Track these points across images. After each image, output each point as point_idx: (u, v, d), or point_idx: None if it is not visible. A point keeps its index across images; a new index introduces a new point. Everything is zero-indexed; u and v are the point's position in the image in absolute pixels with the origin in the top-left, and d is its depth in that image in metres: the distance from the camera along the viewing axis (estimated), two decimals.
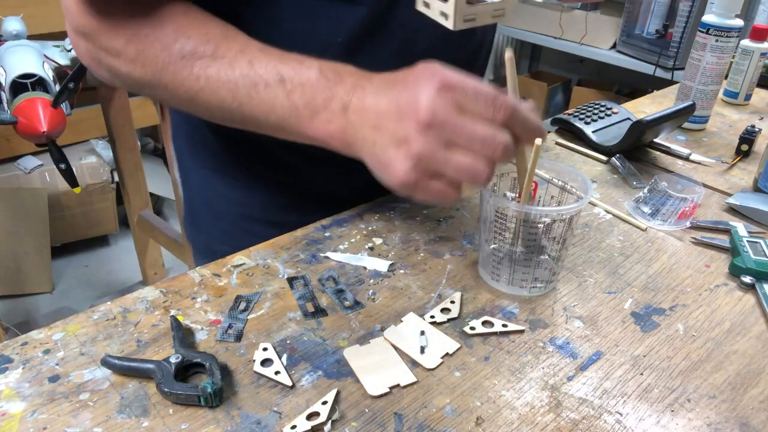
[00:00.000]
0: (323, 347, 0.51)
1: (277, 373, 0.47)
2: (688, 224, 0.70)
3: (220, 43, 0.52)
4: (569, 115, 0.94)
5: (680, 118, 0.85)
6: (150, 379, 0.46)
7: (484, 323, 0.53)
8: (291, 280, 0.58)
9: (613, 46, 2.66)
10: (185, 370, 0.47)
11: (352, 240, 0.64)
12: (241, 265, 0.60)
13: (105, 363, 0.47)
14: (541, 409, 0.46)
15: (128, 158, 1.92)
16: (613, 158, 0.84)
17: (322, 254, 0.62)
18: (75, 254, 2.30)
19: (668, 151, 0.89)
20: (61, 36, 1.56)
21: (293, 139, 0.53)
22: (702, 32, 0.92)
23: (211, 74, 0.51)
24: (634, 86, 2.91)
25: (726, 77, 1.08)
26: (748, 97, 1.09)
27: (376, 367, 0.48)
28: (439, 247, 0.64)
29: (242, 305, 0.55)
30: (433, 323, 0.53)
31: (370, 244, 0.64)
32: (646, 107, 1.07)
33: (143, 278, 2.13)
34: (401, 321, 0.53)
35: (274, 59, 0.51)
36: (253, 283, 0.58)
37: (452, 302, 0.56)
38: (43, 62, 1.36)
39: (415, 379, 0.48)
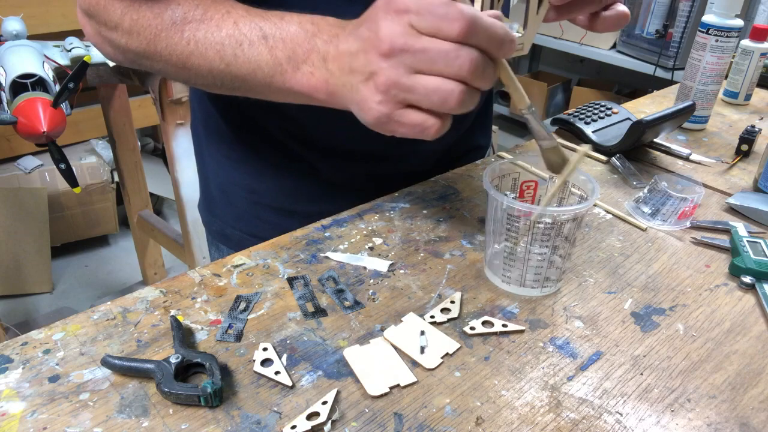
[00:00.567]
0: (323, 347, 0.51)
1: (277, 373, 0.47)
2: (688, 224, 0.70)
3: (208, 6, 0.53)
4: (569, 115, 0.94)
5: (680, 118, 0.85)
6: (150, 379, 0.46)
7: (484, 323, 0.53)
8: (291, 280, 0.58)
9: (613, 46, 2.66)
10: (185, 370, 0.47)
11: (352, 240, 0.64)
12: (241, 265, 0.60)
13: (105, 363, 0.47)
14: (541, 409, 0.46)
15: (128, 158, 1.92)
16: (613, 158, 0.84)
17: (322, 254, 0.62)
18: (75, 254, 2.30)
19: (668, 151, 0.89)
20: (61, 36, 1.56)
21: (282, 98, 0.53)
22: (702, 32, 0.92)
23: (200, 37, 0.52)
24: (634, 86, 2.91)
25: (726, 77, 1.08)
26: (748, 97, 1.09)
27: (376, 367, 0.48)
28: (439, 247, 0.64)
29: (242, 305, 0.55)
30: (433, 323, 0.53)
31: (370, 244, 0.64)
32: (646, 107, 1.07)
33: (143, 278, 2.13)
34: (401, 321, 0.53)
35: (257, 17, 0.51)
36: (253, 283, 0.58)
37: (452, 302, 0.56)
38: (43, 62, 1.36)
39: (415, 379, 0.48)
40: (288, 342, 0.51)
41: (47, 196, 2.09)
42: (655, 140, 0.89)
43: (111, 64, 1.47)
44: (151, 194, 2.18)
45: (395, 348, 0.51)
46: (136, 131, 1.94)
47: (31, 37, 1.46)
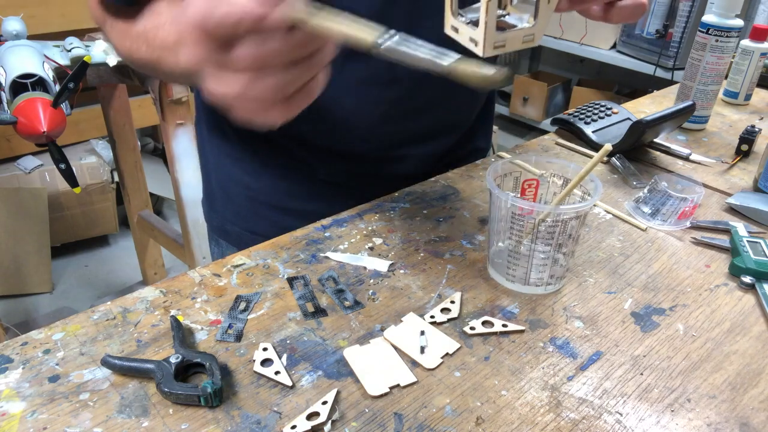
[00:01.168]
0: (323, 347, 0.51)
1: (277, 373, 0.47)
2: (688, 224, 0.70)
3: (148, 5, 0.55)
4: (569, 115, 0.94)
5: (680, 118, 0.85)
6: (150, 379, 0.46)
7: (484, 323, 0.53)
8: (291, 280, 0.58)
9: (613, 46, 2.66)
10: (185, 370, 0.47)
11: (352, 240, 0.64)
12: (241, 265, 0.60)
13: (105, 363, 0.47)
14: (541, 409, 0.46)
15: (128, 158, 1.92)
16: (613, 158, 0.84)
17: (322, 254, 0.62)
18: (75, 254, 2.30)
19: (668, 151, 0.89)
20: (61, 36, 1.56)
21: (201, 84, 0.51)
22: (702, 32, 0.92)
23: (131, 33, 0.55)
24: (634, 86, 2.91)
25: (726, 77, 1.08)
26: (748, 97, 1.09)
27: (376, 367, 0.48)
28: (439, 247, 0.64)
29: (242, 305, 0.55)
30: (433, 323, 0.53)
31: (370, 244, 0.64)
32: (646, 107, 1.07)
33: (143, 278, 2.13)
34: (401, 321, 0.53)
35: (147, 14, 0.54)
36: (253, 283, 0.58)
37: (452, 302, 0.56)
38: (43, 62, 1.36)
39: (415, 379, 0.48)
40: (288, 342, 0.51)
41: (47, 196, 2.09)
42: (655, 140, 0.89)
43: (111, 64, 1.47)
44: (151, 194, 2.18)
45: (395, 348, 0.51)
46: (136, 131, 1.93)
47: (31, 37, 1.46)
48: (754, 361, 0.51)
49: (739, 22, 0.90)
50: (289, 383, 0.47)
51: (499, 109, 3.32)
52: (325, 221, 0.68)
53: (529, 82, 3.09)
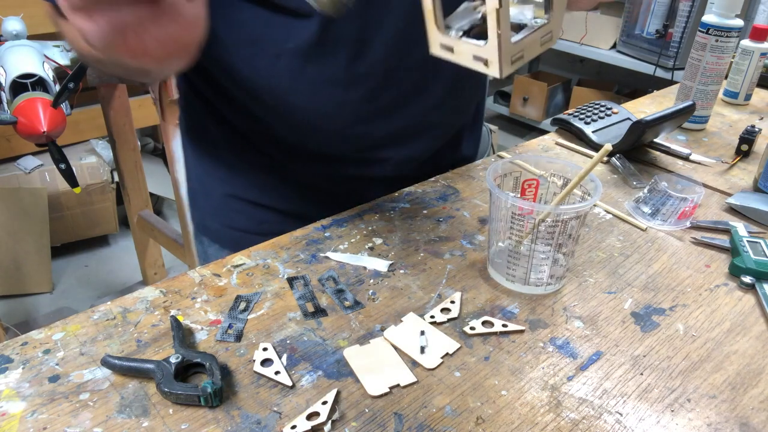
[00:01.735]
0: (323, 347, 0.51)
1: (277, 373, 0.47)
2: (688, 224, 0.70)
3: None
4: (569, 115, 0.94)
5: (680, 118, 0.85)
6: (150, 379, 0.46)
7: (484, 323, 0.53)
8: (291, 280, 0.58)
9: (613, 46, 2.66)
10: (185, 370, 0.47)
11: (352, 240, 0.64)
12: (241, 265, 0.60)
13: (105, 363, 0.47)
14: (541, 409, 0.46)
15: (128, 158, 1.92)
16: (613, 158, 0.84)
17: (322, 254, 0.62)
18: (75, 254, 2.30)
19: (668, 151, 0.88)
20: (61, 36, 1.56)
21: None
22: (702, 32, 0.92)
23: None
24: (634, 86, 2.91)
25: (726, 77, 1.08)
26: (748, 97, 1.09)
27: (376, 367, 0.48)
28: (439, 247, 0.64)
29: (242, 305, 0.55)
30: (433, 323, 0.53)
31: (370, 244, 0.64)
32: (646, 107, 1.07)
33: (143, 278, 2.13)
34: (401, 321, 0.53)
35: None
36: (253, 283, 0.58)
37: (452, 302, 0.56)
38: (43, 62, 1.36)
39: (415, 379, 0.48)
40: (288, 342, 0.51)
41: (47, 196, 2.09)
42: (655, 140, 0.89)
43: None
44: (151, 194, 2.18)
45: (395, 348, 0.51)
46: (136, 131, 1.93)
47: (31, 37, 1.46)
48: (754, 361, 0.51)
49: (739, 22, 0.90)
50: (289, 383, 0.47)
51: (499, 109, 3.33)
52: (325, 221, 0.68)
53: (529, 82, 3.09)
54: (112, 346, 0.50)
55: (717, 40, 0.91)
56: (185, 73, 0.74)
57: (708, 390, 0.48)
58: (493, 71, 0.38)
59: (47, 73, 1.33)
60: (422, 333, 0.52)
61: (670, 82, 2.19)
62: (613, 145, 0.86)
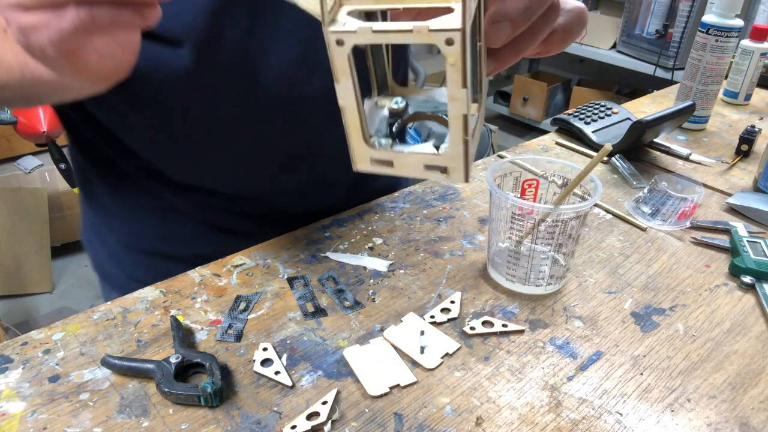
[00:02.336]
0: (323, 347, 0.51)
1: (277, 373, 0.47)
2: (688, 224, 0.70)
3: None
4: (569, 115, 0.94)
5: (680, 118, 0.85)
6: (150, 379, 0.46)
7: (484, 323, 0.53)
8: (291, 280, 0.58)
9: (613, 46, 2.66)
10: (185, 370, 0.47)
11: (352, 240, 0.64)
12: (241, 265, 0.60)
13: (105, 363, 0.47)
14: (541, 409, 0.46)
15: None
16: (613, 158, 0.84)
17: (322, 254, 0.62)
18: (75, 254, 2.30)
19: (668, 151, 0.89)
20: None
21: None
22: (702, 32, 0.92)
23: None
24: (634, 86, 2.91)
25: (726, 77, 1.08)
26: (748, 97, 1.09)
27: (376, 367, 0.48)
28: (439, 247, 0.64)
29: (242, 305, 0.55)
30: (433, 323, 0.53)
31: (370, 244, 0.64)
32: (646, 107, 1.07)
33: None
34: (401, 321, 0.53)
35: None
36: (253, 283, 0.58)
37: (452, 302, 0.56)
38: None
39: (415, 379, 0.48)
40: (288, 342, 0.51)
41: (47, 196, 2.09)
42: (655, 140, 0.89)
43: None
44: None
45: (395, 348, 0.51)
46: None
47: None
48: (754, 361, 0.51)
49: (739, 22, 0.90)
50: (289, 383, 0.47)
51: (499, 108, 3.33)
52: (325, 221, 0.68)
53: (529, 82, 3.09)
54: (112, 346, 0.50)
55: (717, 40, 0.91)
56: (68, 113, 0.66)
57: (708, 390, 0.48)
58: (456, 178, 0.35)
59: None
60: (422, 333, 0.52)
61: (670, 82, 2.19)
62: (613, 145, 0.86)
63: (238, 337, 0.51)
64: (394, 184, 0.81)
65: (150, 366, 0.46)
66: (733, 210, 0.73)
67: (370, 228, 0.67)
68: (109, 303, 0.54)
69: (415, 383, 0.47)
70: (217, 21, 0.53)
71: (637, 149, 0.88)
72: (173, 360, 0.46)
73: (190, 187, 0.67)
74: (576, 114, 0.94)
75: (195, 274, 0.58)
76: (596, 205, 0.73)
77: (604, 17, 2.67)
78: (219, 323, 0.53)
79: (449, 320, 0.54)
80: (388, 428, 0.44)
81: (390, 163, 0.35)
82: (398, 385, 0.47)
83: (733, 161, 0.87)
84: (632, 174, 0.81)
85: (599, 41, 2.67)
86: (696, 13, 2.21)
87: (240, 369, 0.48)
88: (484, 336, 0.52)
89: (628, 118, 0.95)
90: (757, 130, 0.88)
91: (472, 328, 0.53)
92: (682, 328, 0.55)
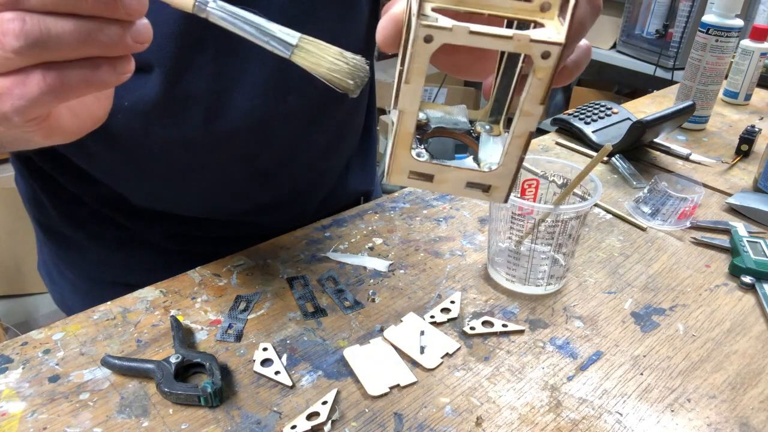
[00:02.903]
0: (323, 347, 0.50)
1: (277, 373, 0.47)
2: (688, 224, 0.70)
3: None
4: (569, 115, 0.94)
5: (680, 118, 0.85)
6: (150, 379, 0.46)
7: (484, 323, 0.53)
8: (291, 280, 0.58)
9: (613, 46, 2.66)
10: (185, 370, 0.47)
11: (352, 240, 0.64)
12: (241, 264, 0.60)
13: (105, 363, 0.47)
14: (541, 409, 0.46)
15: None
16: (613, 158, 0.84)
17: (322, 254, 0.62)
18: None
19: (668, 151, 0.88)
20: None
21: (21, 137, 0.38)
22: (702, 32, 0.92)
23: None
24: (634, 86, 2.91)
25: (726, 77, 1.08)
26: (748, 97, 1.09)
27: (376, 367, 0.48)
28: (439, 247, 0.64)
29: (242, 305, 0.55)
30: (433, 323, 0.53)
31: (370, 244, 0.64)
32: (646, 107, 1.07)
33: None
34: (401, 321, 0.53)
35: None
36: (253, 283, 0.58)
37: (452, 302, 0.56)
38: None
39: (415, 379, 0.48)
40: (288, 342, 0.51)
41: None
42: (655, 140, 0.89)
43: None
44: None
45: (395, 348, 0.51)
46: None
47: None
48: (754, 361, 0.51)
49: (739, 22, 0.90)
50: (289, 383, 0.47)
51: None
52: (325, 221, 0.68)
53: None
54: (112, 346, 0.50)
55: (717, 40, 0.91)
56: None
57: (708, 390, 0.48)
58: (497, 198, 0.33)
59: None
60: (422, 333, 0.52)
61: (670, 82, 2.19)
62: (613, 145, 0.86)
63: (238, 337, 0.51)
64: (365, 193, 0.81)
65: (150, 366, 0.46)
66: (733, 210, 0.73)
67: (370, 228, 0.67)
68: (109, 303, 0.54)
69: (415, 383, 0.47)
70: (187, 44, 0.51)
71: (637, 149, 0.88)
72: (173, 360, 0.46)
73: (157, 213, 0.65)
74: (576, 114, 0.94)
75: (195, 274, 0.58)
76: (596, 205, 0.73)
77: (604, 17, 2.67)
78: (219, 323, 0.52)
79: (449, 320, 0.54)
80: (388, 428, 0.44)
81: (430, 178, 0.32)
82: (398, 385, 0.47)
83: (733, 161, 0.87)
84: (632, 174, 0.81)
85: (599, 41, 2.67)
86: (696, 13, 2.21)
87: (240, 369, 0.48)
88: (484, 336, 0.52)
89: (628, 118, 0.95)
90: (757, 130, 0.88)
91: (472, 328, 0.53)
92: (682, 328, 0.55)
